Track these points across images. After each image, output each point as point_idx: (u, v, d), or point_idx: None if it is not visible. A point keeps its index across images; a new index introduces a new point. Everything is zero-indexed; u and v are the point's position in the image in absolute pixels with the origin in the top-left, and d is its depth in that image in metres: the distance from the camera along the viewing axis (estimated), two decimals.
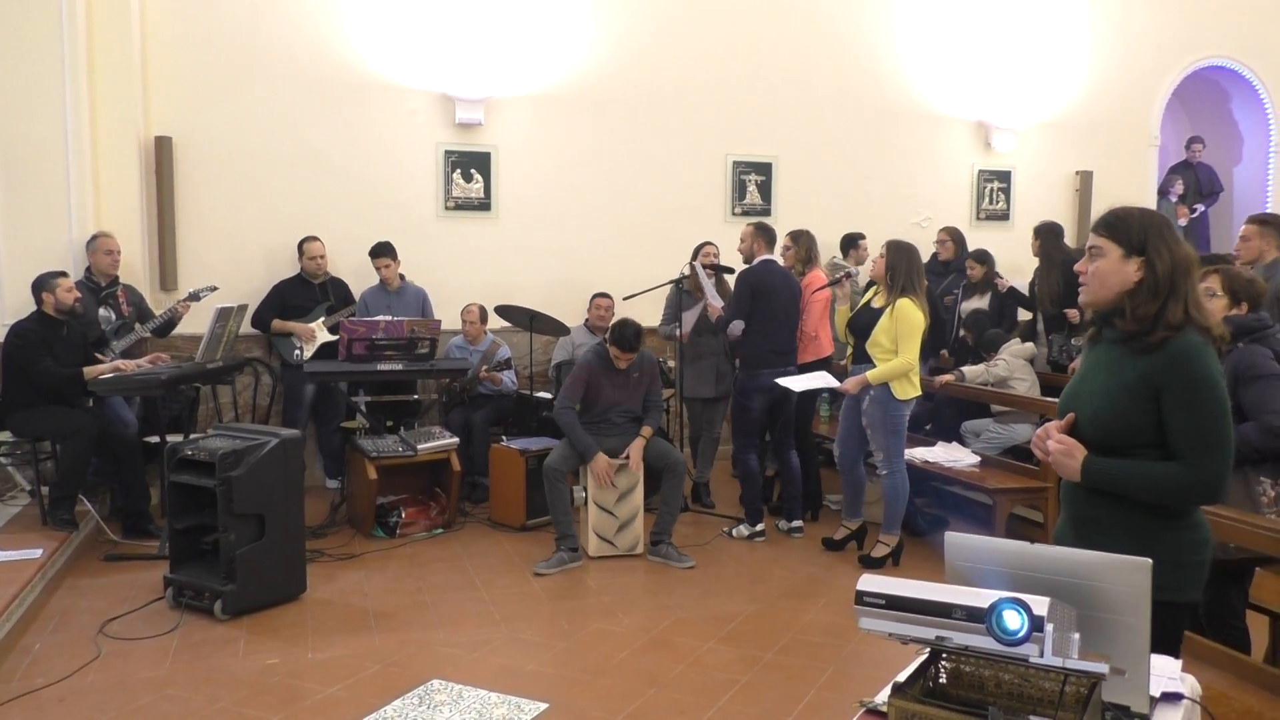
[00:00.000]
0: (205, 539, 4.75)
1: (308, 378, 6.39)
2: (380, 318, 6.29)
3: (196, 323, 6.34)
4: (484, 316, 7.09)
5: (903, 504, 5.46)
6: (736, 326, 5.86)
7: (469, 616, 4.68)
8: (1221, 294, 3.44)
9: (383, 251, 6.88)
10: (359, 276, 7.11)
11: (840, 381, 5.64)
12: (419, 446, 5.98)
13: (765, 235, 6.03)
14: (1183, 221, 9.91)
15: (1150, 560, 1.77)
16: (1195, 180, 10.15)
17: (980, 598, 1.69)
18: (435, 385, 7.11)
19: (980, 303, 7.49)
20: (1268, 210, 10.06)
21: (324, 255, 6.88)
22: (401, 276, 7.00)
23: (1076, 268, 2.43)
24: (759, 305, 5.80)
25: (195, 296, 6.16)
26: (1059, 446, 2.33)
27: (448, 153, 7.45)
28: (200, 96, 6.90)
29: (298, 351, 6.67)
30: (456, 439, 6.19)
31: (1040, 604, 1.64)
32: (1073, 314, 6.84)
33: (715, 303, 6.19)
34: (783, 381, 5.72)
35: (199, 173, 6.92)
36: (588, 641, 4.41)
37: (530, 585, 5.14)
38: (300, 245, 6.89)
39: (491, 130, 7.54)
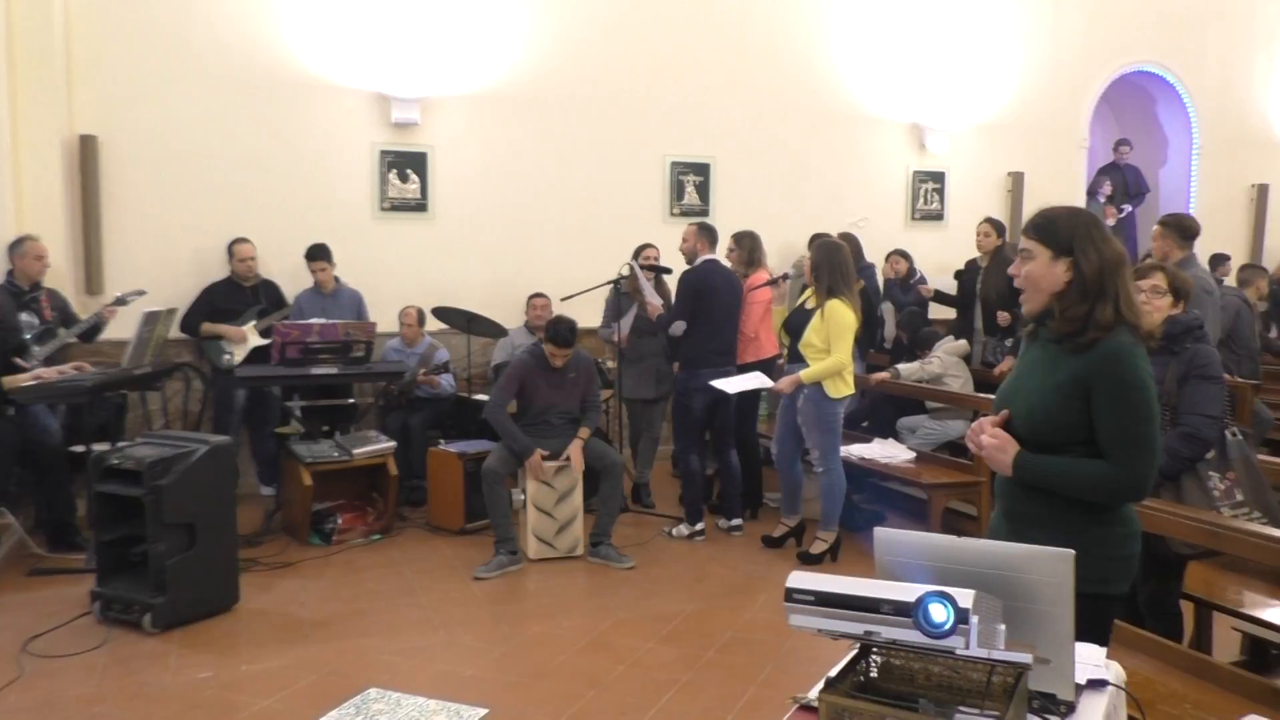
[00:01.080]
0: (133, 550, 4.62)
1: (239, 382, 6.26)
2: (314, 320, 6.20)
3: (123, 327, 6.17)
4: (421, 319, 7.02)
5: (839, 500, 5.52)
6: (678, 326, 5.87)
7: (407, 623, 4.63)
8: (1167, 292, 3.54)
9: (319, 254, 6.77)
10: (292, 279, 6.99)
11: (776, 381, 5.69)
12: (355, 451, 5.90)
13: (708, 235, 6.05)
14: (1110, 221, 10.16)
15: (1073, 551, 1.80)
16: (1123, 181, 10.42)
17: (907, 592, 1.71)
18: (372, 389, 7.02)
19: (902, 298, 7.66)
20: (1190, 210, 10.38)
21: (255, 257, 6.75)
22: (336, 279, 6.89)
23: (1010, 270, 2.47)
24: (701, 305, 5.82)
25: (122, 301, 6.00)
26: (992, 441, 2.37)
27: (384, 153, 7.36)
28: (127, 93, 6.73)
29: (228, 356, 6.53)
30: (393, 443, 6.12)
31: (965, 597, 1.66)
32: (1003, 317, 6.94)
33: (654, 301, 6.20)
34: (717, 384, 5.74)
35: (126, 172, 6.75)
36: (528, 644, 4.38)
37: (469, 589, 5.09)
38: (230, 247, 6.76)
39: (428, 130, 7.47)
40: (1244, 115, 10.66)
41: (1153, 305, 3.50)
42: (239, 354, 6.55)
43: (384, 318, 7.00)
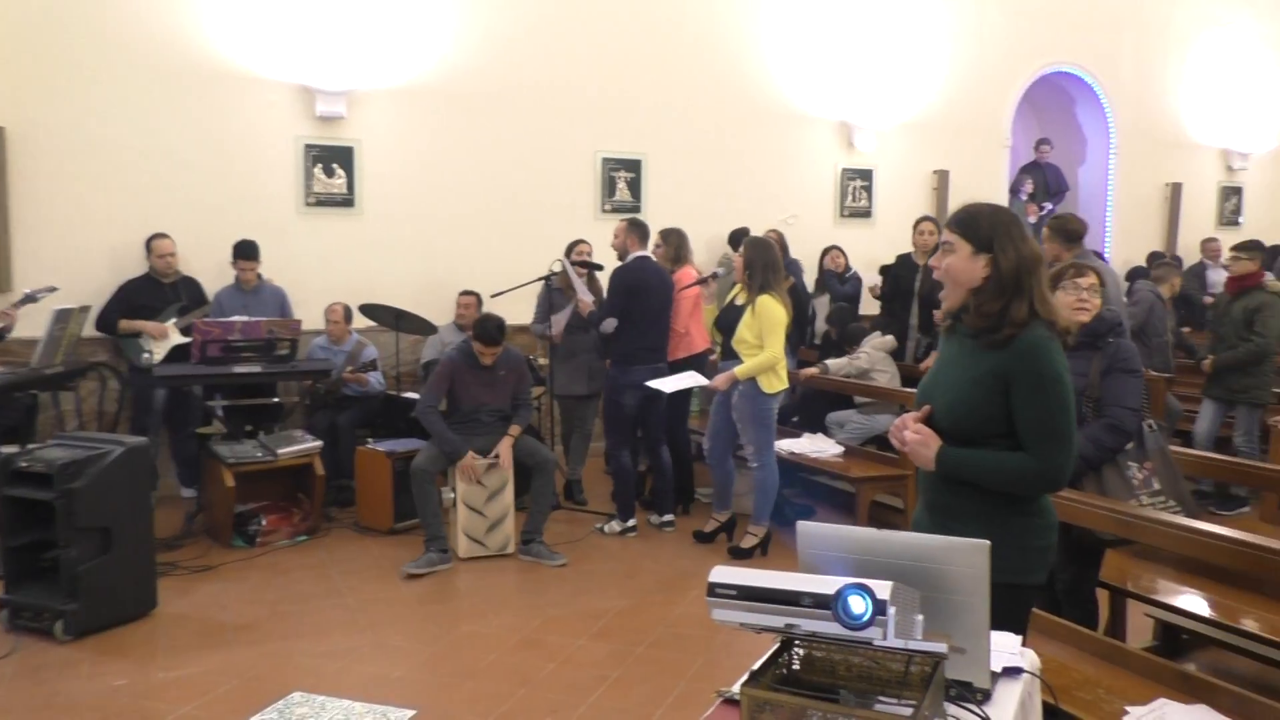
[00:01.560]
0: (44, 556, 4.47)
1: (159, 382, 6.09)
2: (236, 318, 6.06)
3: (33, 325, 5.97)
4: (348, 316, 6.90)
5: (772, 495, 5.57)
6: (609, 324, 5.86)
7: (334, 625, 4.55)
8: (1099, 289, 3.63)
9: (249, 254, 6.61)
10: (213, 275, 6.82)
11: (709, 379, 5.71)
12: (279, 451, 5.79)
13: (639, 231, 6.05)
14: (1032, 219, 10.42)
15: (988, 542, 1.84)
16: (1044, 180, 10.69)
17: (827, 585, 1.72)
18: (297, 387, 6.89)
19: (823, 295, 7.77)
20: (1107, 208, 10.70)
21: (174, 253, 6.57)
22: (259, 275, 6.74)
23: (931, 262, 2.50)
24: (633, 302, 5.82)
25: (31, 298, 5.79)
26: (915, 436, 2.41)
27: (308, 147, 7.22)
28: (38, 84, 6.49)
29: (147, 354, 6.35)
30: (319, 442, 6.02)
31: (883, 588, 1.68)
32: (940, 315, 7.09)
33: (586, 298, 6.18)
34: (653, 384, 5.76)
35: (37, 166, 6.51)
36: (457, 644, 4.34)
37: (398, 589, 5.03)
38: (148, 243, 6.57)
39: (354, 124, 7.35)
40: (1158, 116, 11.01)
41: (1090, 304, 3.58)
42: (159, 352, 6.37)
43: (309, 315, 6.87)
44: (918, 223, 7.64)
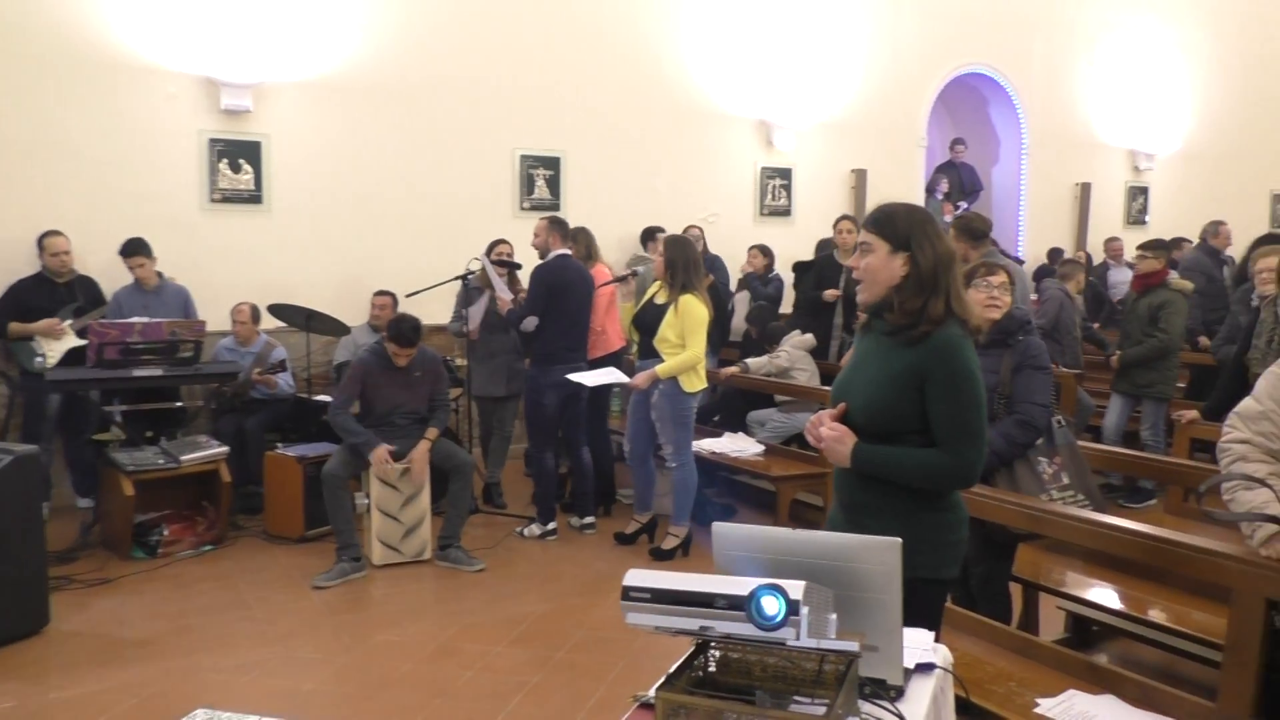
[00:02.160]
0: None
1: (52, 387, 5.86)
2: (136, 319, 5.86)
3: None
4: (256, 316, 6.73)
5: (691, 495, 5.59)
6: (530, 322, 5.82)
7: (241, 638, 4.43)
8: (1009, 287, 3.71)
9: (135, 250, 6.38)
10: (111, 275, 6.57)
11: (630, 377, 5.71)
12: (182, 457, 5.63)
13: (560, 229, 6.02)
14: (948, 218, 10.63)
15: (900, 540, 1.86)
16: (959, 179, 10.95)
17: (741, 586, 1.73)
18: (202, 391, 6.69)
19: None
20: (1020, 207, 11.01)
21: (68, 251, 6.32)
22: (160, 274, 6.53)
23: (849, 263, 2.54)
24: (554, 301, 5.79)
25: None
26: (831, 433, 2.44)
27: (212, 141, 7.03)
28: None
29: (40, 358, 6.09)
30: (226, 448, 5.87)
31: (796, 588, 1.69)
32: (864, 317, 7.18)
33: (505, 295, 6.12)
34: (574, 377, 5.74)
35: None
36: (371, 654, 4.26)
37: (309, 600, 4.93)
38: (40, 241, 6.30)
39: (261, 118, 7.17)
40: (1068, 117, 11.36)
41: (1002, 301, 3.67)
42: (53, 356, 6.11)
43: (215, 315, 6.69)
44: (837, 222, 7.75)
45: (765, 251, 8.49)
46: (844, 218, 7.74)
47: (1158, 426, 6.50)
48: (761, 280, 8.35)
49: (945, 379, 2.34)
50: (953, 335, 2.37)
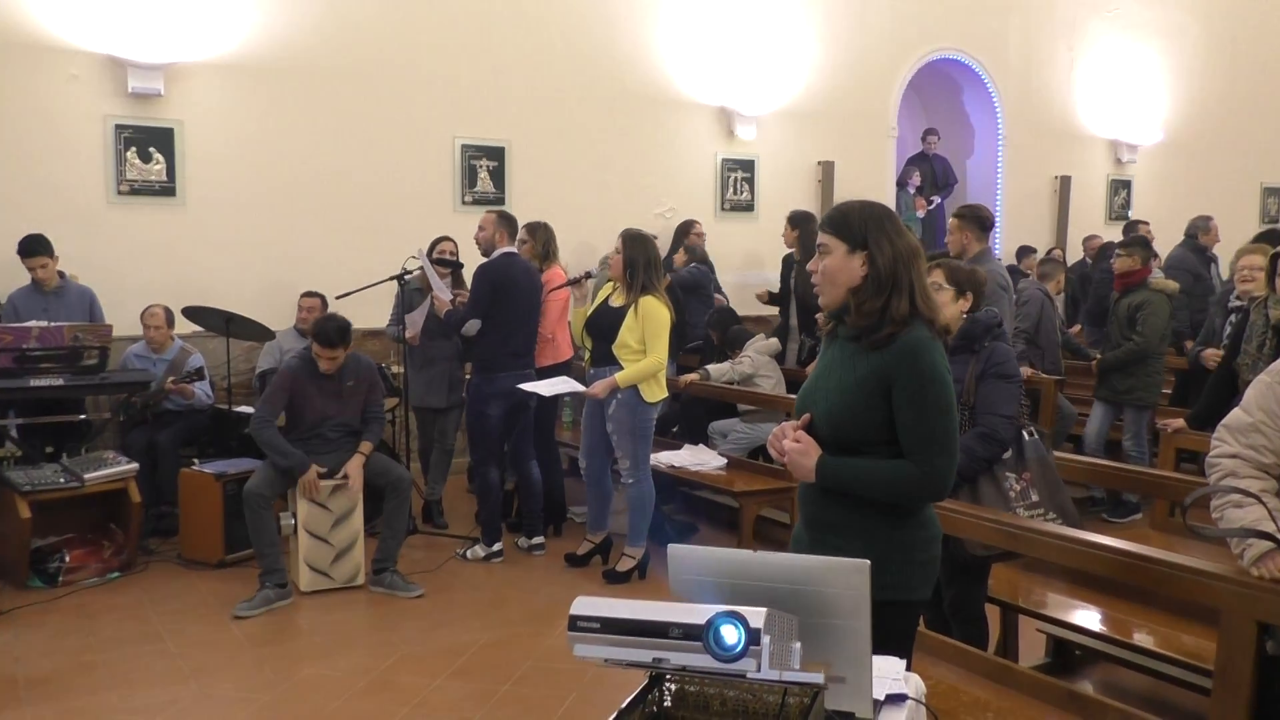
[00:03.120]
0: None
1: None
2: (33, 323, 5.76)
3: None
4: (170, 320, 6.62)
5: (648, 513, 5.59)
6: (472, 325, 5.79)
7: (151, 674, 4.36)
8: (947, 286, 3.72)
9: (35, 249, 6.24)
10: (8, 276, 6.44)
11: (584, 386, 5.69)
12: (87, 476, 5.53)
13: (508, 225, 6.00)
14: (921, 213, 10.79)
15: (868, 562, 1.87)
16: (932, 172, 11.08)
17: (697, 614, 1.72)
18: (109, 402, 6.57)
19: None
20: (996, 202, 11.16)
21: None
22: (61, 274, 6.41)
23: (809, 267, 2.56)
24: (499, 303, 5.76)
25: None
26: (796, 445, 2.45)
27: (119, 127, 6.93)
28: None
29: None
30: (136, 465, 5.78)
31: (757, 616, 1.69)
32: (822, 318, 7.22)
33: (444, 296, 6.08)
34: (526, 386, 5.71)
35: None
36: (297, 690, 4.21)
37: (229, 631, 4.86)
38: None
39: (174, 102, 7.08)
40: (1046, 106, 11.54)
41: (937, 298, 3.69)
42: None
43: (123, 319, 6.59)
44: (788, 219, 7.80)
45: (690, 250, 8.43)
46: (789, 217, 7.78)
47: (1140, 436, 6.60)
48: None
49: (912, 383, 2.36)
50: (920, 336, 2.40)
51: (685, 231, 8.56)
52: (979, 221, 5.49)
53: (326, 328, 5.34)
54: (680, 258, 8.19)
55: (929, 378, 2.37)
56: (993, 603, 3.90)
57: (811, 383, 2.58)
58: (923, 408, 2.36)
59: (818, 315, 7.40)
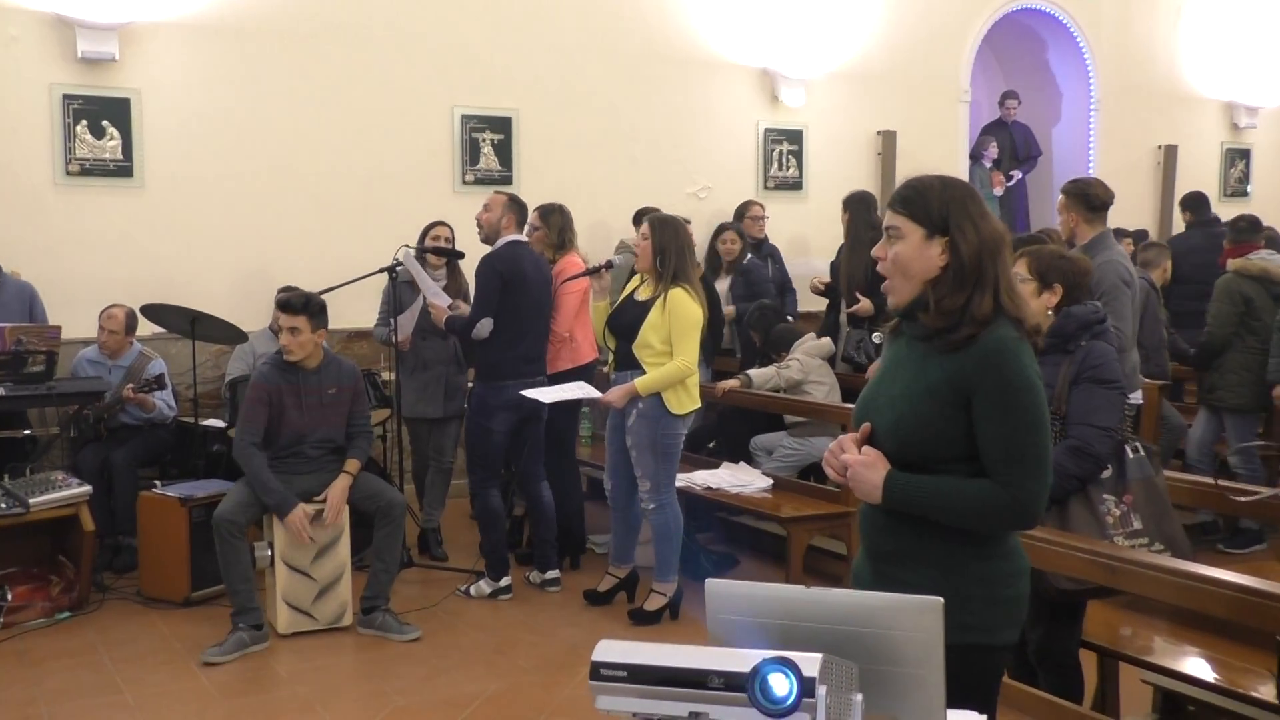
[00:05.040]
0: None
1: None
2: None
3: None
4: (132, 325, 6.65)
5: (677, 542, 5.58)
6: (484, 326, 5.80)
7: None
8: (1029, 278, 3.70)
9: None
10: None
11: (602, 392, 5.70)
12: (32, 500, 5.58)
13: (518, 211, 6.02)
14: (998, 190, 10.72)
15: (941, 600, 1.86)
16: (1010, 142, 11.02)
17: (742, 660, 1.72)
18: (58, 415, 6.64)
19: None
20: (1090, 175, 11.05)
21: None
22: None
23: (874, 253, 2.54)
24: (507, 300, 5.78)
25: None
26: (860, 459, 2.43)
27: (67, 97, 7.01)
28: None
29: None
30: (89, 487, 5.83)
31: (811, 663, 1.68)
32: (863, 306, 7.13)
33: (439, 301, 6.08)
34: (530, 393, 5.71)
35: None
36: None
37: (197, 680, 4.90)
38: None
39: (131, 68, 7.15)
40: (1148, 63, 11.44)
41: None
42: None
43: (72, 318, 6.66)
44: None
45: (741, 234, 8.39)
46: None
47: (1248, 449, 6.49)
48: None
49: (998, 392, 2.35)
50: (1005, 336, 2.38)
51: (740, 215, 8.57)
52: (1085, 200, 5.32)
53: (290, 293, 5.43)
54: (727, 246, 8.02)
55: (1017, 385, 2.35)
56: (1087, 647, 3.86)
57: (873, 389, 2.56)
58: (1010, 421, 2.35)
59: (853, 308, 7.28)
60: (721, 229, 8.07)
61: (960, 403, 2.37)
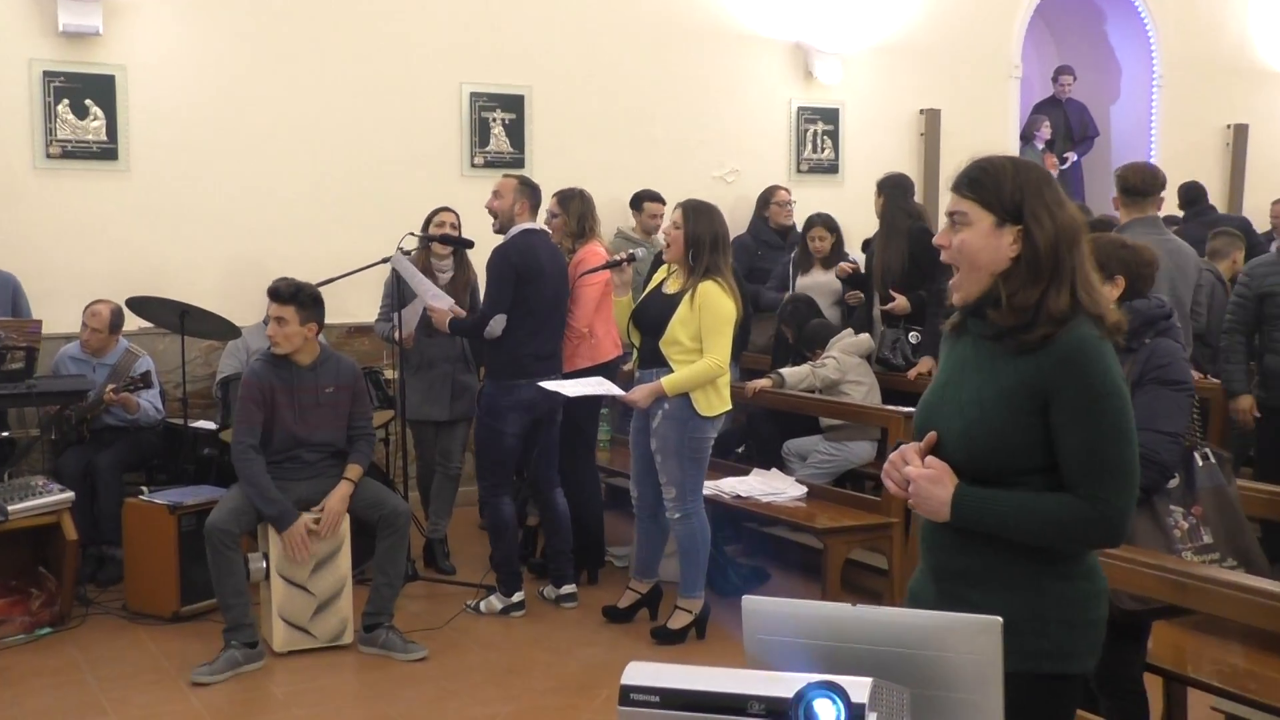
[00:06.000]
0: None
1: None
2: None
3: None
4: (117, 322, 6.65)
5: (703, 555, 5.57)
6: (497, 323, 5.80)
7: None
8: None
9: None
10: None
11: (625, 391, 5.69)
12: (10, 507, 5.59)
13: (531, 196, 6.01)
14: (1052, 173, 10.65)
15: (999, 619, 1.85)
16: (1065, 122, 10.98)
17: (784, 684, 1.72)
18: (37, 416, 6.68)
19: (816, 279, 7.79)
20: (1151, 159, 11.00)
21: None
22: None
23: (937, 240, 2.51)
24: (521, 294, 5.78)
25: None
26: (925, 472, 2.40)
27: (48, 74, 7.05)
28: None
29: None
30: (71, 493, 5.84)
31: (860, 688, 1.68)
32: (899, 304, 7.04)
33: (439, 304, 6.05)
34: (550, 385, 5.69)
35: None
36: None
37: (187, 701, 4.91)
38: None
39: (116, 43, 7.19)
40: (1216, 36, 11.37)
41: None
42: None
43: (55, 312, 6.71)
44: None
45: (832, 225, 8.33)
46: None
47: None
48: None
49: (1079, 397, 2.31)
50: (1085, 336, 2.34)
51: (766, 201, 8.55)
52: (1120, 183, 5.41)
53: (281, 281, 5.45)
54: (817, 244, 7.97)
55: (1100, 390, 2.32)
56: (1152, 671, 3.84)
57: (936, 394, 2.53)
58: (1093, 429, 2.31)
59: (888, 306, 7.22)
60: (810, 223, 8.00)
61: (1037, 409, 2.34)
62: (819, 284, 7.71)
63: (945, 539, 2.46)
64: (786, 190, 8.72)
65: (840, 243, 7.93)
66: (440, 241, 6.48)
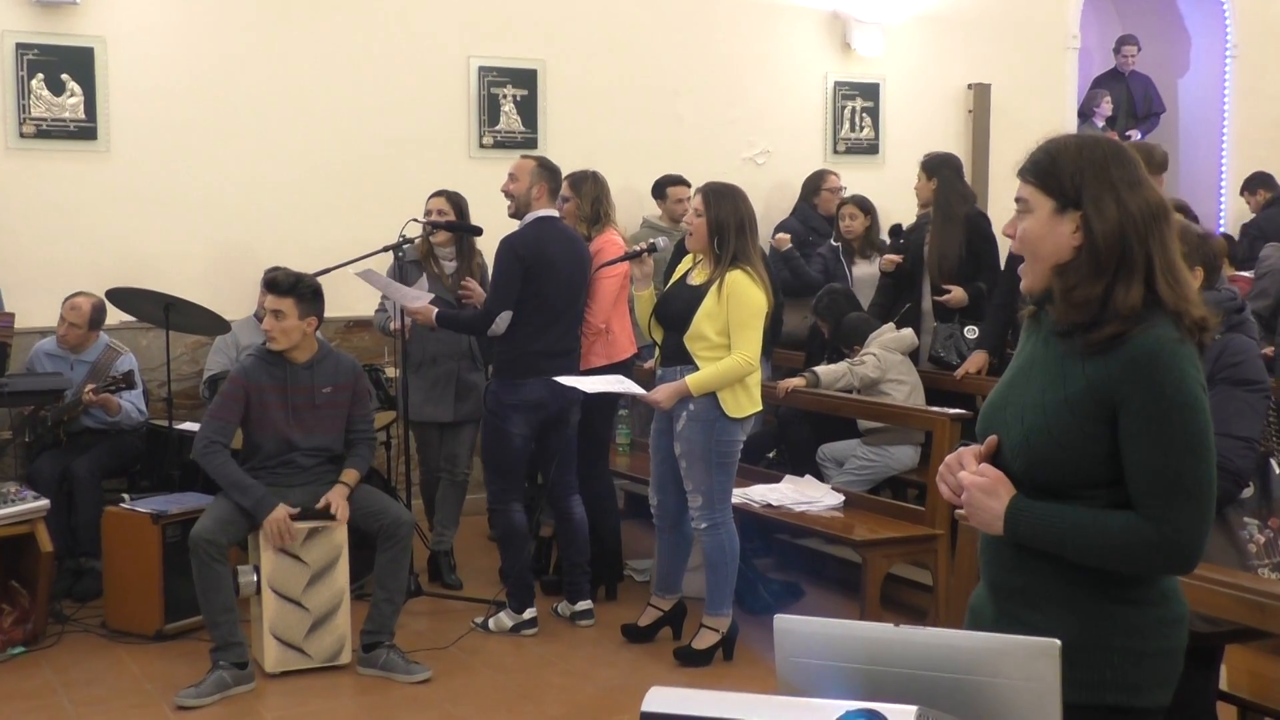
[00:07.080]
0: None
1: None
2: None
3: None
4: (98, 318, 6.67)
5: (732, 569, 5.57)
6: (503, 321, 5.81)
7: None
8: None
9: None
10: None
11: (646, 390, 5.69)
12: None
13: (550, 179, 6.00)
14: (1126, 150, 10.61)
15: (1057, 642, 1.84)
16: (1128, 96, 10.94)
17: (821, 712, 1.72)
18: (11, 417, 6.72)
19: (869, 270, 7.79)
20: (1222, 136, 10.95)
21: None
22: None
23: (1004, 230, 2.50)
24: (532, 287, 5.79)
25: None
26: (978, 481, 2.39)
27: (21, 46, 7.08)
28: None
29: None
30: (46, 501, 5.87)
31: (903, 715, 1.67)
32: (956, 295, 7.01)
33: (419, 304, 6.04)
34: (568, 381, 5.69)
35: None
36: None
37: None
38: None
39: (94, 13, 7.22)
40: None
41: None
42: None
43: (28, 305, 6.78)
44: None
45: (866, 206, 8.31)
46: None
47: None
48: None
49: (1150, 407, 2.27)
50: (1161, 338, 2.28)
51: (815, 188, 8.54)
52: None
53: (277, 275, 5.47)
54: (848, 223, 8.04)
55: (1175, 400, 2.27)
56: (1226, 699, 3.82)
57: (1002, 393, 2.50)
58: (1165, 443, 2.26)
59: (943, 298, 7.18)
60: (842, 203, 8.09)
61: (1104, 417, 2.30)
62: (870, 275, 7.73)
63: (1002, 554, 2.44)
64: (836, 175, 8.69)
65: (875, 225, 7.94)
66: (445, 229, 6.47)
